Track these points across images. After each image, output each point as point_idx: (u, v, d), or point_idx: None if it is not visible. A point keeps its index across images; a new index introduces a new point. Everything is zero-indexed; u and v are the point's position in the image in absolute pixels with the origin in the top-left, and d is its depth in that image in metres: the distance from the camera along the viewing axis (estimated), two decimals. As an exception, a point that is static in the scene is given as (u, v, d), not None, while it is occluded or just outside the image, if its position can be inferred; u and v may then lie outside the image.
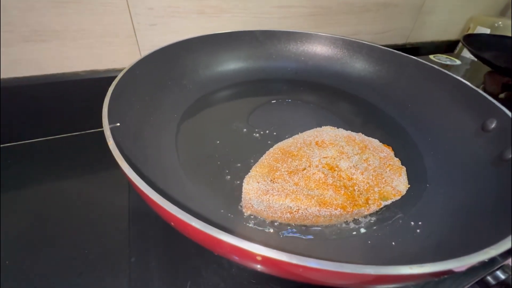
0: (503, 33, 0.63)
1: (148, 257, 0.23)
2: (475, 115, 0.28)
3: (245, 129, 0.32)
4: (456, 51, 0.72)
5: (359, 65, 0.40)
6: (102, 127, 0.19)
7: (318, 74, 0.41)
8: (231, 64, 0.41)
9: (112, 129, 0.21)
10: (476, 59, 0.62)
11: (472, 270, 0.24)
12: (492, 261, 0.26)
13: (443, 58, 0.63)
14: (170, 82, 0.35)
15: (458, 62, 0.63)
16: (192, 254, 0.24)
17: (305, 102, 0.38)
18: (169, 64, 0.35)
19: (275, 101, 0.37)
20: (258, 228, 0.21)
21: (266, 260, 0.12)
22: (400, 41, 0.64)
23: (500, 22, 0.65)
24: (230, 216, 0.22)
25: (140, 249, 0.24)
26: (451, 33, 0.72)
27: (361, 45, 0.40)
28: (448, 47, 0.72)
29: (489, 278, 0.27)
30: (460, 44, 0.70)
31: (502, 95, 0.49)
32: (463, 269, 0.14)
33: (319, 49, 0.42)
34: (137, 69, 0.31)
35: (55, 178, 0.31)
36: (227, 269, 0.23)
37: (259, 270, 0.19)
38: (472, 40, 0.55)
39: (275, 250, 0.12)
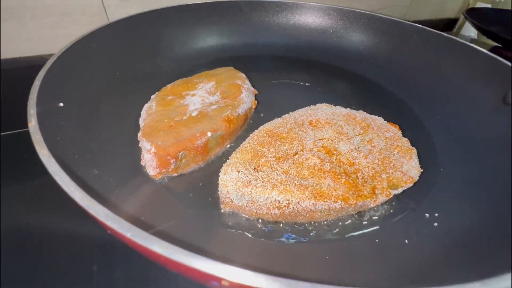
0: (504, 8, 0.60)
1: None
2: (494, 87, 0.24)
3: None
4: (454, 30, 0.68)
5: (357, 38, 0.36)
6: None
7: (311, 50, 0.36)
8: (213, 40, 0.36)
9: (44, 110, 0.16)
10: (475, 38, 0.58)
11: None
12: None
13: (442, 36, 0.59)
14: (140, 60, 0.30)
15: (458, 40, 0.59)
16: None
17: (298, 81, 0.33)
18: (137, 37, 0.30)
19: (263, 81, 0.33)
20: (238, 231, 0.17)
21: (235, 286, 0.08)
22: (397, 19, 0.60)
23: (501, -3, 0.62)
24: (205, 217, 0.18)
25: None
26: (449, 11, 0.69)
27: (359, 15, 0.35)
28: (445, 26, 0.69)
29: None
30: (459, 22, 0.66)
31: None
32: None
33: (312, 22, 0.37)
34: (94, 41, 0.25)
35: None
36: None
37: None
38: (475, 14, 0.51)
39: (246, 272, 0.08)
